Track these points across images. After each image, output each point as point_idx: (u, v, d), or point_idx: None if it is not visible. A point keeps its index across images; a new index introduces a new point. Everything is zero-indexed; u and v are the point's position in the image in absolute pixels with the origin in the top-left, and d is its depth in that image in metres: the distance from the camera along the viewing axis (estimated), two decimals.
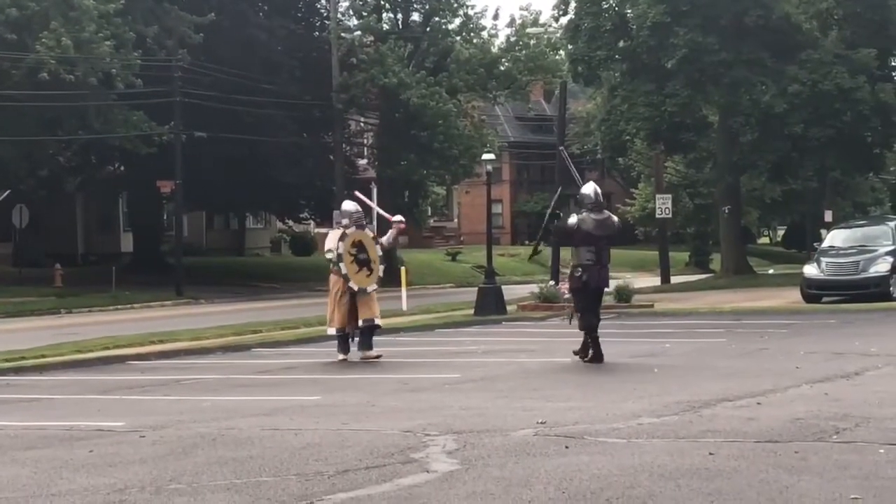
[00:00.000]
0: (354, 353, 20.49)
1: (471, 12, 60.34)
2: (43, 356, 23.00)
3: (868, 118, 45.94)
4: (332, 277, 20.48)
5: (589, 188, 19.21)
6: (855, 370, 16.60)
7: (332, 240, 20.77)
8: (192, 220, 65.23)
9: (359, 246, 20.31)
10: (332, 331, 20.76)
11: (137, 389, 17.60)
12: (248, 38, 52.69)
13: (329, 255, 20.57)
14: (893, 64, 50.17)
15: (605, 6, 48.90)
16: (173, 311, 40.10)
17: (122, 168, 56.27)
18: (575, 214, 19.09)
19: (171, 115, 47.77)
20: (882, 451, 10.09)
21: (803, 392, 14.31)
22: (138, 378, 19.34)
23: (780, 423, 11.60)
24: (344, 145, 58.54)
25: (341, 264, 20.13)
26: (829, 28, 48.34)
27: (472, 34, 60.13)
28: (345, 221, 20.80)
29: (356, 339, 20.45)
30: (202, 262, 58.20)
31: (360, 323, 20.26)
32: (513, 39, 60.18)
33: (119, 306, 42.40)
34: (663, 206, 50.95)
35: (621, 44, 48.67)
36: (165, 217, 60.99)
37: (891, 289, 32.77)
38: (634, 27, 46.78)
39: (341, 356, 20.56)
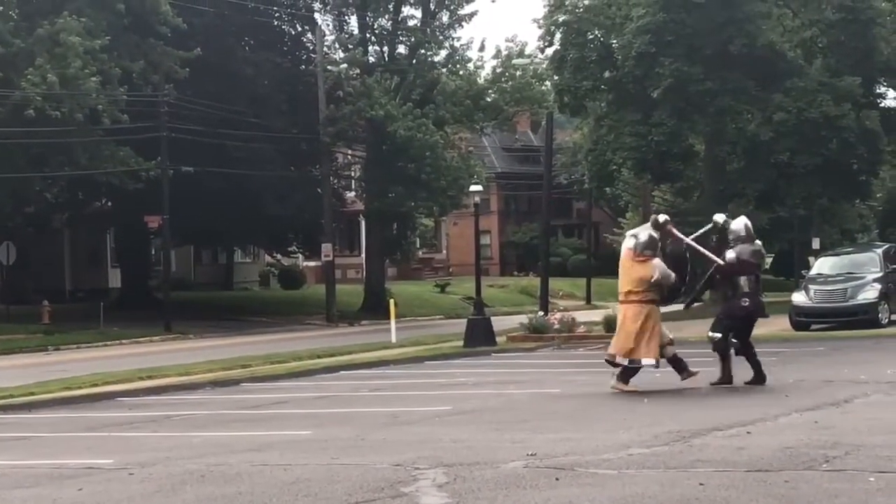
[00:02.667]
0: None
1: (457, 44, 60.57)
2: (31, 394, 22.92)
3: (854, 145, 46.09)
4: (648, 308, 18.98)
5: (740, 223, 19.74)
6: (844, 398, 16.59)
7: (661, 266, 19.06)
8: (180, 254, 65.12)
9: None
10: (650, 361, 19.02)
11: (126, 426, 17.53)
12: (235, 72, 52.74)
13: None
14: (878, 91, 50.38)
15: (591, 37, 49.06)
16: (162, 347, 40.00)
17: (110, 204, 56.18)
18: (732, 251, 19.34)
19: (158, 151, 47.74)
20: (872, 479, 10.08)
21: (793, 420, 14.31)
22: (127, 415, 19.28)
23: (770, 452, 11.58)
24: (331, 178, 58.56)
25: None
26: (813, 56, 48.55)
27: (458, 66, 60.26)
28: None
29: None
30: (190, 296, 58.08)
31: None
32: (499, 71, 60.31)
33: (107, 342, 42.28)
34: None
35: (607, 74, 48.83)
36: (153, 252, 60.91)
37: (879, 315, 32.83)
38: (620, 57, 46.93)
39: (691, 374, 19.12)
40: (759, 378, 18.95)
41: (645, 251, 18.82)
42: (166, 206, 48.05)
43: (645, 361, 18.77)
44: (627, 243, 19.20)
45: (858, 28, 46.24)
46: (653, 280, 18.68)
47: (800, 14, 48.55)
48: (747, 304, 19.31)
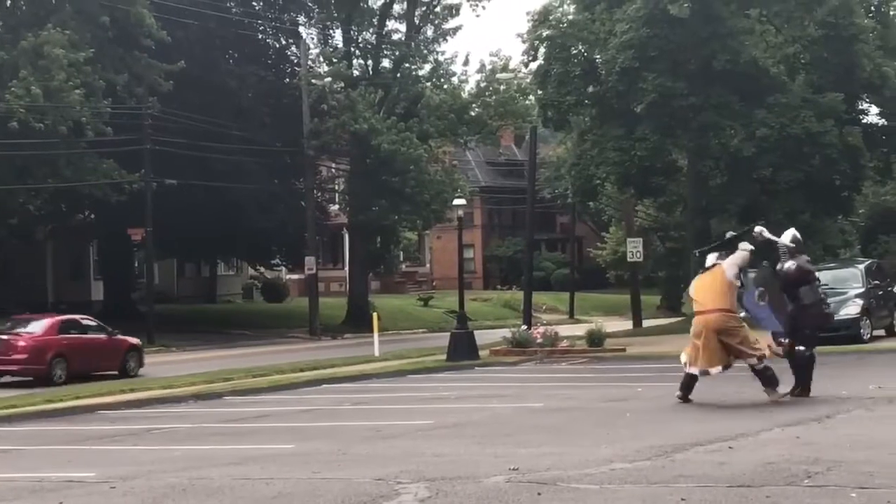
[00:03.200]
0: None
1: (441, 58, 60.67)
2: (13, 406, 22.86)
3: (836, 161, 46.21)
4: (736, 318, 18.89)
5: (790, 234, 19.94)
6: (826, 413, 16.63)
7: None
8: (163, 267, 64.99)
9: None
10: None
11: (108, 439, 17.49)
12: (219, 85, 52.73)
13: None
14: (860, 108, 50.55)
15: (574, 52, 49.12)
16: (144, 360, 39.85)
17: (93, 216, 56.08)
18: (791, 261, 19.49)
19: (142, 163, 47.70)
20: (853, 494, 10.10)
21: (775, 436, 14.33)
22: (109, 428, 19.23)
23: (751, 468, 11.60)
24: (315, 191, 58.58)
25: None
26: (796, 72, 48.69)
27: (442, 80, 60.35)
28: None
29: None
30: (173, 309, 57.98)
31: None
32: (483, 85, 60.41)
33: None
34: (634, 249, 51.08)
35: (590, 89, 48.90)
36: (136, 265, 60.80)
37: (861, 331, 32.92)
38: (603, 72, 47.02)
39: None
40: (804, 389, 19.09)
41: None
42: (149, 219, 47.99)
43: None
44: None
45: (841, 45, 46.40)
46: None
47: (783, 30, 48.71)
48: (828, 310, 19.91)
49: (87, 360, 32.71)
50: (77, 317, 36.06)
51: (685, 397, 18.80)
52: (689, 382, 18.88)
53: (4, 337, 32.08)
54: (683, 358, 19.18)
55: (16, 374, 31.32)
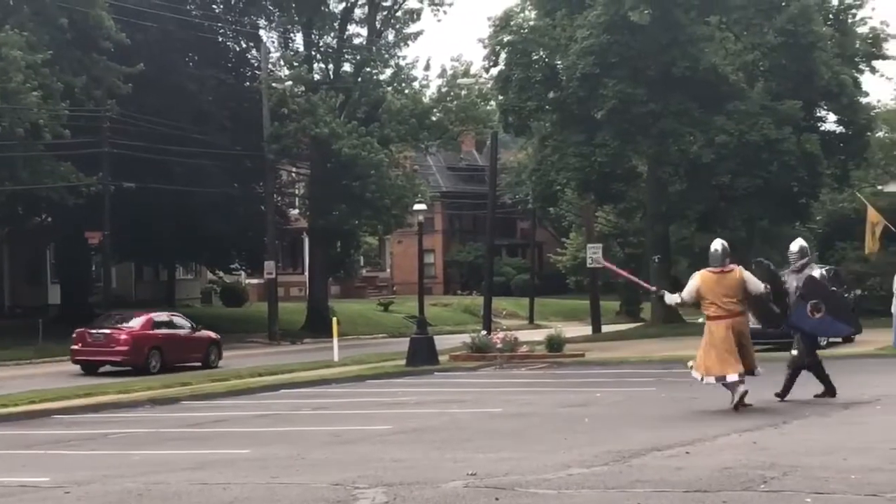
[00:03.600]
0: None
1: (402, 63, 60.61)
2: None
3: (794, 168, 46.49)
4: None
5: (797, 245, 19.93)
6: (783, 419, 16.71)
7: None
8: (121, 271, 64.60)
9: None
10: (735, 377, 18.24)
11: (63, 444, 17.37)
12: (178, 88, 52.48)
13: (764, 290, 18.63)
14: (818, 115, 50.86)
15: (535, 57, 49.23)
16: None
17: (50, 219, 55.68)
18: (817, 268, 20.04)
19: (100, 166, 47.41)
20: (809, 500, 10.15)
21: (732, 441, 14.38)
22: (64, 432, 19.09)
23: (708, 473, 11.63)
24: (275, 195, 58.38)
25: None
26: (755, 80, 48.96)
27: (403, 85, 60.30)
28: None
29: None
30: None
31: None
32: (444, 90, 60.40)
33: (46, 359, 41.82)
34: (594, 255, 51.20)
35: (551, 95, 49.01)
36: (94, 268, 60.40)
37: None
38: (564, 78, 47.12)
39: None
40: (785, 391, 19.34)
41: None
42: (107, 222, 47.70)
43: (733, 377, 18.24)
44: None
45: (799, 52, 46.70)
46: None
47: (742, 38, 48.97)
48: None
49: (177, 353, 36.41)
50: (168, 314, 40.30)
51: (740, 401, 18.03)
52: (734, 389, 18.13)
53: (107, 331, 35.85)
54: (696, 374, 18.41)
55: (116, 364, 35.07)
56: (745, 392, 18.06)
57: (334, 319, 38.49)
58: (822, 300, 19.20)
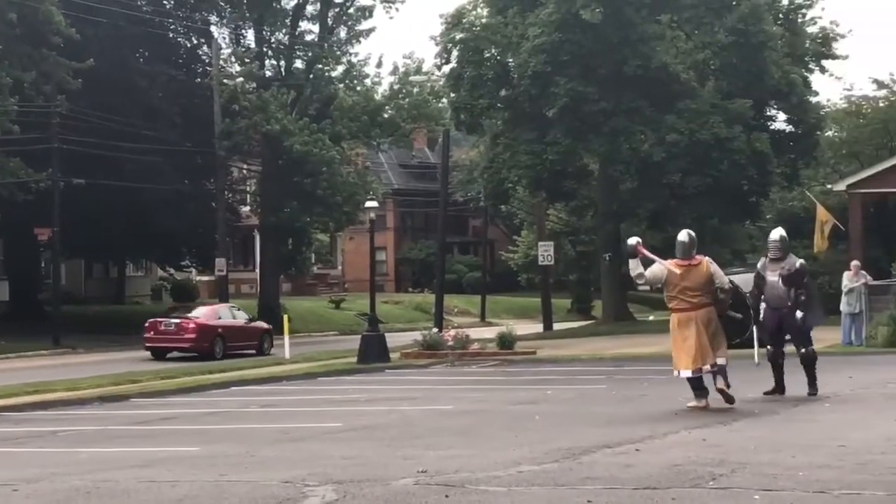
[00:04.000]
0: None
1: (354, 60, 60.48)
2: None
3: (744, 167, 46.79)
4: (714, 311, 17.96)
5: (778, 233, 19.86)
6: (732, 416, 16.79)
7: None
8: (71, 267, 64.16)
9: None
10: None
11: (11, 441, 17.22)
12: (129, 84, 52.17)
13: (727, 286, 18.30)
14: (768, 114, 51.21)
15: (487, 55, 49.32)
16: (50, 361, 39.35)
17: None
18: (792, 259, 19.64)
19: (49, 162, 47.08)
20: (757, 496, 10.20)
21: (682, 438, 14.44)
22: (12, 430, 18.93)
23: (658, 470, 11.67)
24: (226, 192, 58.10)
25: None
26: (706, 78, 49.25)
27: (355, 82, 60.20)
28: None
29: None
30: (81, 310, 57.22)
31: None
32: (396, 87, 60.34)
33: None
34: (546, 253, 51.33)
35: (503, 92, 49.12)
36: (43, 265, 59.93)
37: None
38: (516, 76, 47.23)
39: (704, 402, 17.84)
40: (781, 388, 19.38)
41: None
42: (57, 219, 47.36)
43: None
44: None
45: (750, 51, 47.01)
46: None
47: (693, 36, 49.25)
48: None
49: (235, 341, 40.63)
50: (227, 306, 44.37)
51: (725, 393, 17.63)
52: (697, 385, 17.76)
53: (177, 320, 40.54)
54: (675, 371, 17.98)
55: (185, 351, 39.34)
56: (725, 385, 17.64)
57: (285, 317, 38.39)
58: (807, 290, 19.37)
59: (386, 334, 35.48)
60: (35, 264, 58.74)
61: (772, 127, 51.10)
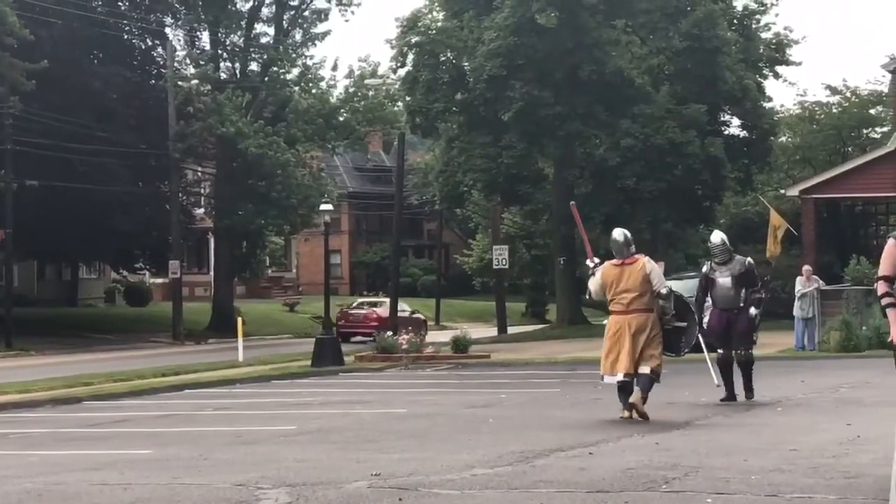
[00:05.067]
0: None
1: (309, 63, 60.47)
2: None
3: (698, 172, 47.06)
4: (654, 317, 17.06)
5: (719, 237, 19.84)
6: (685, 420, 16.86)
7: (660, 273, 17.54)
8: (23, 269, 63.71)
9: None
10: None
11: None
12: (83, 85, 51.91)
13: (665, 291, 17.14)
14: (722, 119, 51.51)
15: (443, 59, 49.37)
16: (2, 364, 39.04)
17: None
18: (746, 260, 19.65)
19: (2, 163, 46.76)
20: (710, 500, 10.25)
21: (635, 442, 14.49)
22: None
23: (611, 473, 11.71)
24: (180, 194, 57.89)
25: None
26: (660, 83, 49.48)
27: (310, 85, 60.16)
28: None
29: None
30: (33, 312, 56.84)
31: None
32: (351, 90, 60.35)
33: None
34: (500, 256, 51.42)
35: (458, 96, 49.20)
36: None
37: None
38: (471, 80, 47.30)
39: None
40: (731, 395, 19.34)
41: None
42: (9, 220, 47.04)
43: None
44: None
45: (704, 56, 47.27)
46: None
47: (648, 41, 49.49)
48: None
49: (404, 326, 43.19)
50: (387, 299, 50.17)
51: (631, 408, 16.80)
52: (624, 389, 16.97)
53: (363, 311, 53.32)
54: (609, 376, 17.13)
55: (367, 336, 48.19)
56: (639, 399, 16.77)
57: (239, 320, 38.26)
58: (763, 287, 19.53)
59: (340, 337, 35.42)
60: None
61: (726, 132, 51.42)
